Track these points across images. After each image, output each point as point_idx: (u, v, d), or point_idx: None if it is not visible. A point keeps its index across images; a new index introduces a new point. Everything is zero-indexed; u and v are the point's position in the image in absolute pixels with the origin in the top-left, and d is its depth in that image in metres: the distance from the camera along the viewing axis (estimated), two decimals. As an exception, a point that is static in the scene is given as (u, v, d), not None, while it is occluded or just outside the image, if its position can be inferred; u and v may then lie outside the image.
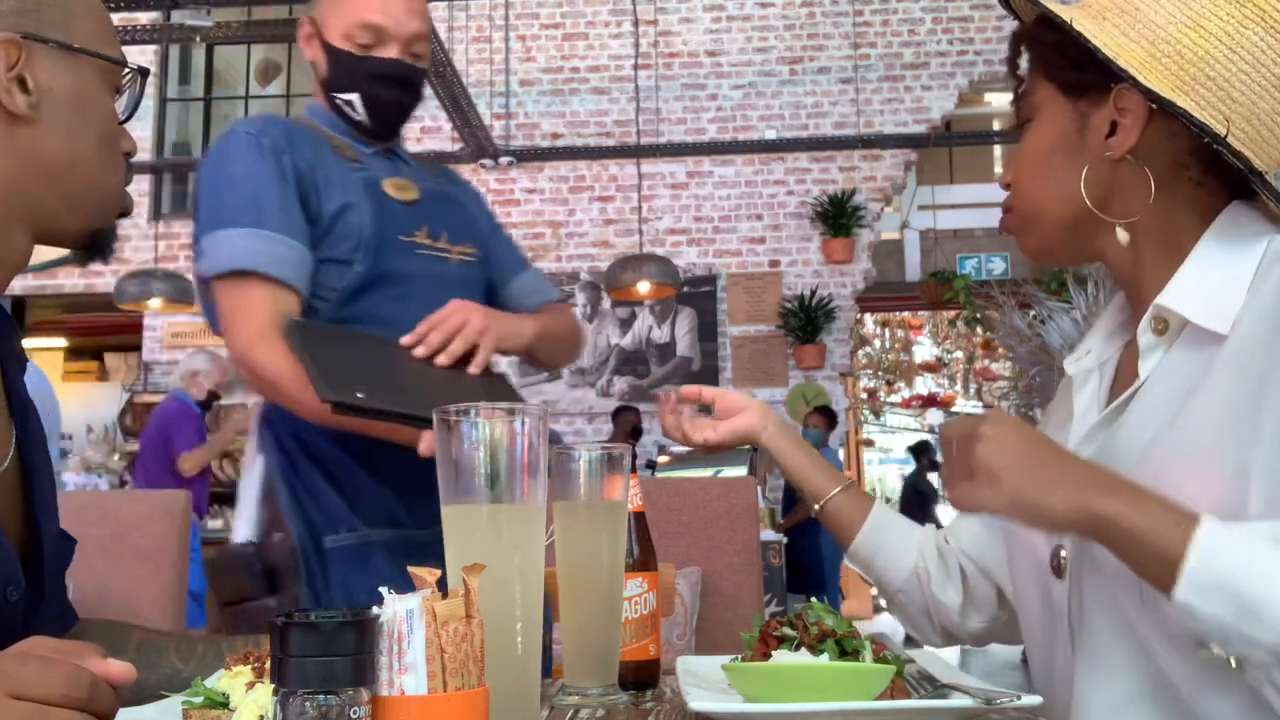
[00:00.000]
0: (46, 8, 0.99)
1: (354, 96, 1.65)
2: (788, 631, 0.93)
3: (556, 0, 8.84)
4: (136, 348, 8.95)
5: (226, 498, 6.39)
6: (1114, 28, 0.95)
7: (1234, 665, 0.81)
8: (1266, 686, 0.80)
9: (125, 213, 1.10)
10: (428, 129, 8.63)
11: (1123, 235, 0.98)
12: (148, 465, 5.62)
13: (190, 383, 5.76)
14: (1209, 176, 0.96)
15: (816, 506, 1.30)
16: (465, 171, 8.47)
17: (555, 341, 1.77)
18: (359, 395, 1.34)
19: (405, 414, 1.35)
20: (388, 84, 1.64)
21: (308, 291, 1.56)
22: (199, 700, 0.79)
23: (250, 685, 0.76)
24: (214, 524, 5.95)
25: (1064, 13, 0.97)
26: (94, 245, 1.08)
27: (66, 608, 1.10)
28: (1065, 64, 0.99)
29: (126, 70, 1.05)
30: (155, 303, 6.20)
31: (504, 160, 8.29)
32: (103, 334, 9.27)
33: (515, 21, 8.62)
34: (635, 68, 8.06)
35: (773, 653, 0.92)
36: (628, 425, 7.51)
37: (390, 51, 1.62)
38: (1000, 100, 9.68)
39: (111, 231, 1.10)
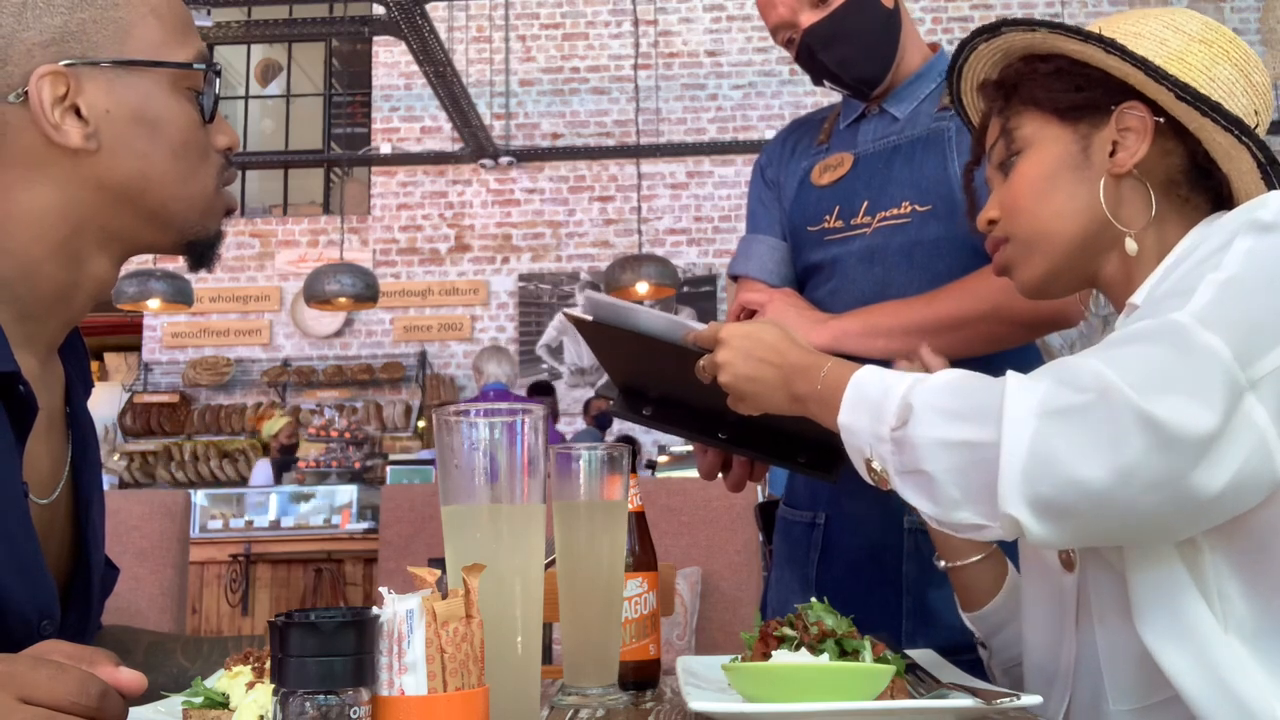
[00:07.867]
0: (93, 25, 0.93)
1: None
2: (788, 631, 0.93)
3: (556, 0, 8.84)
4: (136, 348, 8.95)
5: (229, 499, 6.39)
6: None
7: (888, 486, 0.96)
8: (895, 478, 0.94)
9: (229, 211, 1.03)
10: (428, 129, 8.63)
11: (1132, 245, 1.01)
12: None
13: (511, 380, 5.76)
14: (1195, 193, 1.02)
15: (944, 563, 1.23)
16: (465, 171, 8.51)
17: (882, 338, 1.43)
18: (645, 413, 1.36)
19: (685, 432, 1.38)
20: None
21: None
22: (199, 700, 0.79)
23: (250, 685, 0.76)
24: (214, 524, 5.94)
25: (1102, 28, 1.02)
26: (193, 254, 1.02)
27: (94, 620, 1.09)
28: (1066, 88, 1.04)
29: (195, 68, 0.98)
30: (154, 303, 6.18)
31: (504, 160, 8.29)
32: (102, 334, 9.26)
33: (515, 21, 8.62)
34: (635, 68, 8.06)
35: (773, 653, 0.92)
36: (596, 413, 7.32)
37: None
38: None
39: (213, 238, 1.03)
